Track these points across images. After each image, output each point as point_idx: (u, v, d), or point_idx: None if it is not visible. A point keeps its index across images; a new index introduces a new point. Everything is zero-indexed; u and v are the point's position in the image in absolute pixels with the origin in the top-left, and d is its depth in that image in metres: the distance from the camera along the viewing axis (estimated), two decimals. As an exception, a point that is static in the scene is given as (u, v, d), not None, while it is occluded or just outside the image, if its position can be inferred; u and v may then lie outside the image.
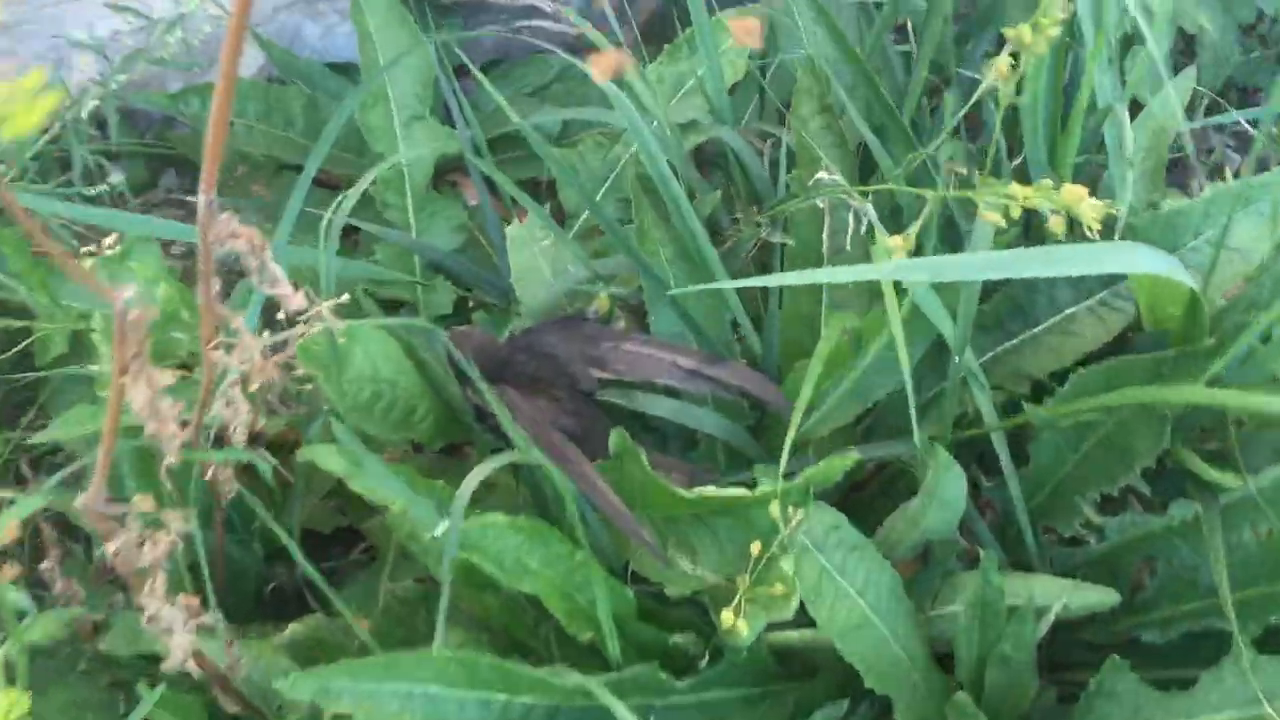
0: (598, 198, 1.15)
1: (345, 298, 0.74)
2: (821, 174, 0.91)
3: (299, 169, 1.35)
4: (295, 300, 0.50)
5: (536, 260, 1.03)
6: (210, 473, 0.75)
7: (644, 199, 0.97)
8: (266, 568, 1.00)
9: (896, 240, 0.72)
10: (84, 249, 0.98)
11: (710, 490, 0.79)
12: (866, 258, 0.98)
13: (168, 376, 0.45)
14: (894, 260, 0.70)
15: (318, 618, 0.92)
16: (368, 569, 1.05)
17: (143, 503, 0.61)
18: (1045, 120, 0.91)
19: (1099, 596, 0.89)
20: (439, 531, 0.73)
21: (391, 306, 1.28)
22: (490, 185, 1.20)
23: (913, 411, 0.80)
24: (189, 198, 1.40)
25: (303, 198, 0.94)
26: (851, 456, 0.79)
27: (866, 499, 1.01)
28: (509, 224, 1.29)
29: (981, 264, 0.60)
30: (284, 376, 0.85)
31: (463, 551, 0.75)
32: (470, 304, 1.19)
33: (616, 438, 0.85)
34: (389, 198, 1.20)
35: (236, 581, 0.97)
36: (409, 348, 0.96)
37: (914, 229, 0.73)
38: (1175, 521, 0.89)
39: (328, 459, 0.83)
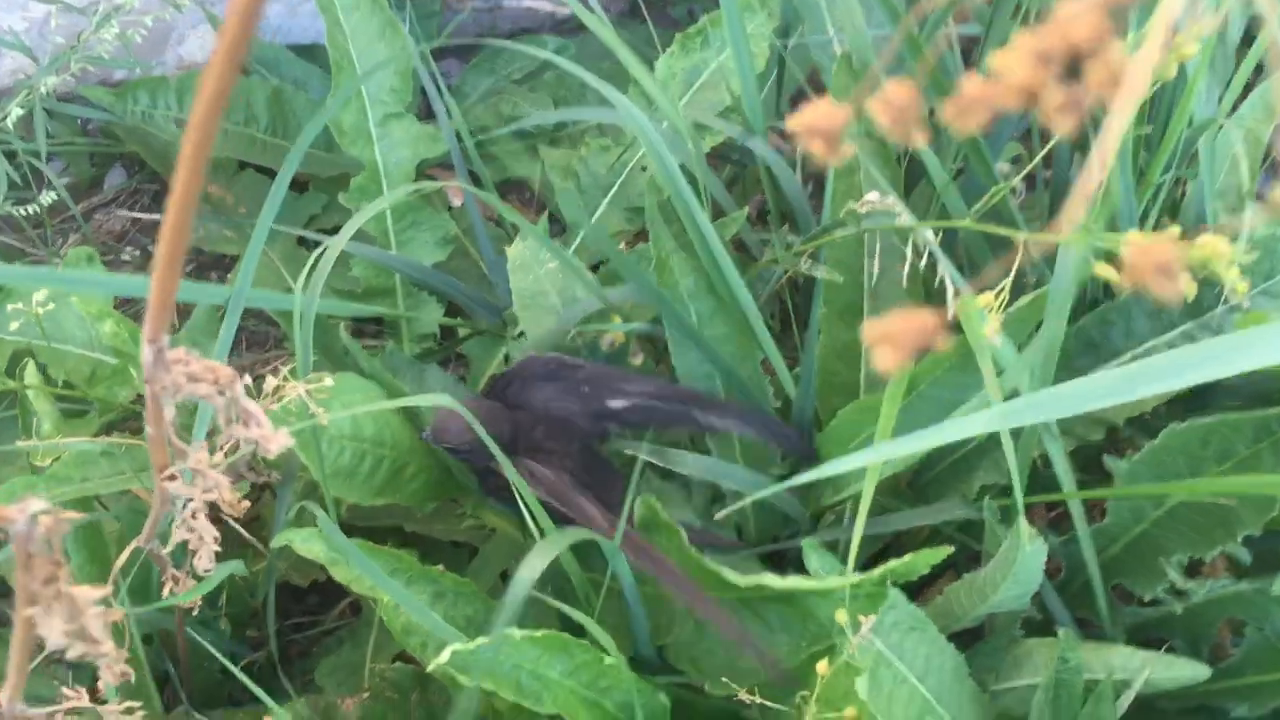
0: (602, 206, 1.02)
1: (327, 381, 0.62)
2: (872, 196, 0.79)
3: (262, 169, 1.22)
4: (277, 441, 0.38)
5: (542, 285, 0.90)
6: (168, 588, 0.63)
7: (659, 220, 0.85)
8: (232, 642, 0.88)
9: (986, 299, 0.60)
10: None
11: (768, 579, 0.67)
12: (920, 295, 0.87)
13: (93, 593, 0.33)
14: (1012, 399, 0.57)
15: (295, 707, 0.80)
16: (350, 635, 0.93)
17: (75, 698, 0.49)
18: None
19: (1188, 671, 0.78)
20: (445, 658, 0.61)
21: (370, 328, 1.15)
22: (479, 182, 1.08)
23: (1016, 479, 0.68)
24: (134, 212, 1.26)
25: (273, 216, 0.81)
26: (943, 550, 0.67)
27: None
28: (498, 224, 1.16)
29: (1132, 378, 0.47)
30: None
31: (472, 678, 0.63)
32: (459, 326, 1.07)
33: (646, 509, 0.74)
34: (365, 206, 1.06)
35: (199, 664, 0.85)
36: (394, 391, 0.84)
37: (1005, 284, 0.61)
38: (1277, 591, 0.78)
39: (307, 545, 0.71)
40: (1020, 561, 0.73)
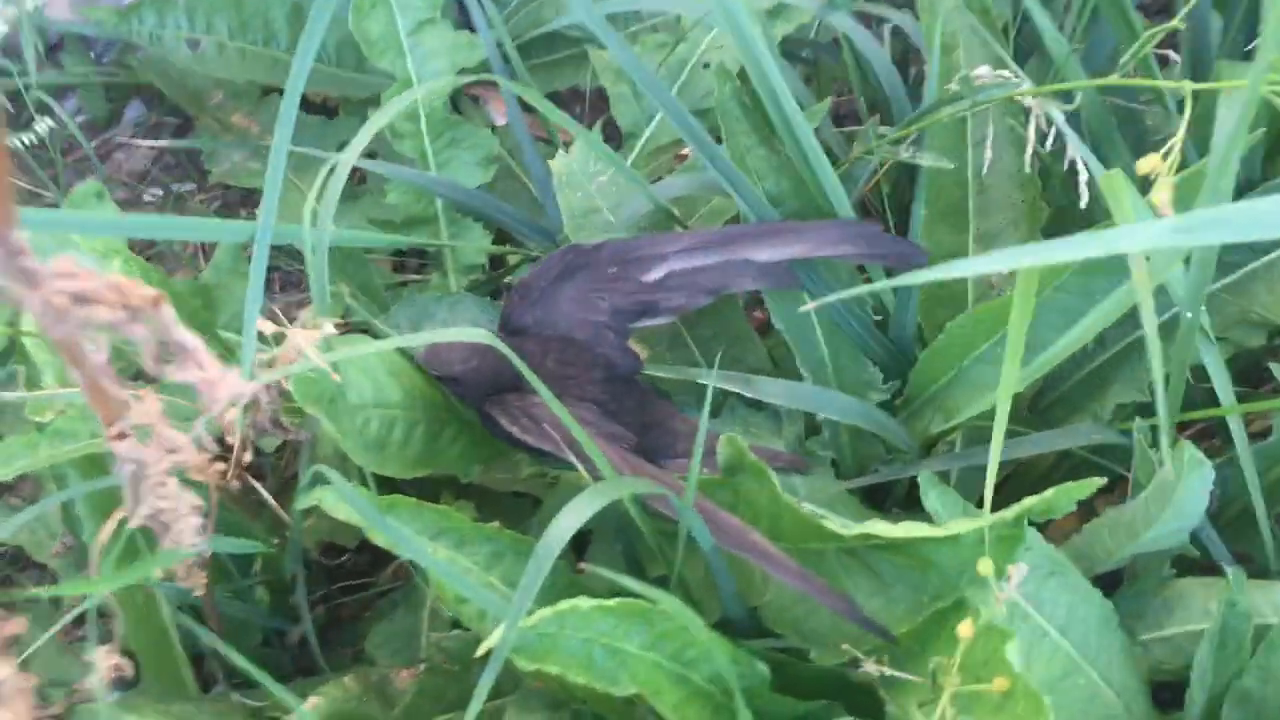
0: (662, 111, 0.90)
1: (328, 328, 0.51)
2: (982, 69, 0.66)
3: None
4: (228, 387, 0.28)
5: (592, 200, 0.79)
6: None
7: (734, 111, 0.73)
8: (270, 615, 0.79)
9: (1154, 161, 0.48)
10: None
11: (879, 527, 0.56)
12: (1036, 189, 0.75)
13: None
14: (1156, 218, 0.46)
15: (344, 685, 0.71)
16: (404, 598, 0.83)
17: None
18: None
19: (1377, 610, 0.67)
20: (495, 640, 0.51)
21: (412, 262, 1.05)
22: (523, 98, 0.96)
23: (1161, 396, 0.57)
24: (156, 146, 1.17)
25: (288, 136, 0.70)
26: (1094, 482, 0.55)
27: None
28: (547, 142, 1.05)
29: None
30: (274, 399, 0.63)
31: (533, 661, 0.53)
32: (508, 254, 0.96)
33: (732, 449, 0.63)
34: (399, 124, 0.95)
35: (238, 639, 0.76)
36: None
37: (1175, 142, 0.48)
38: None
39: (337, 507, 0.61)
40: (1182, 490, 0.61)
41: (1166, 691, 0.70)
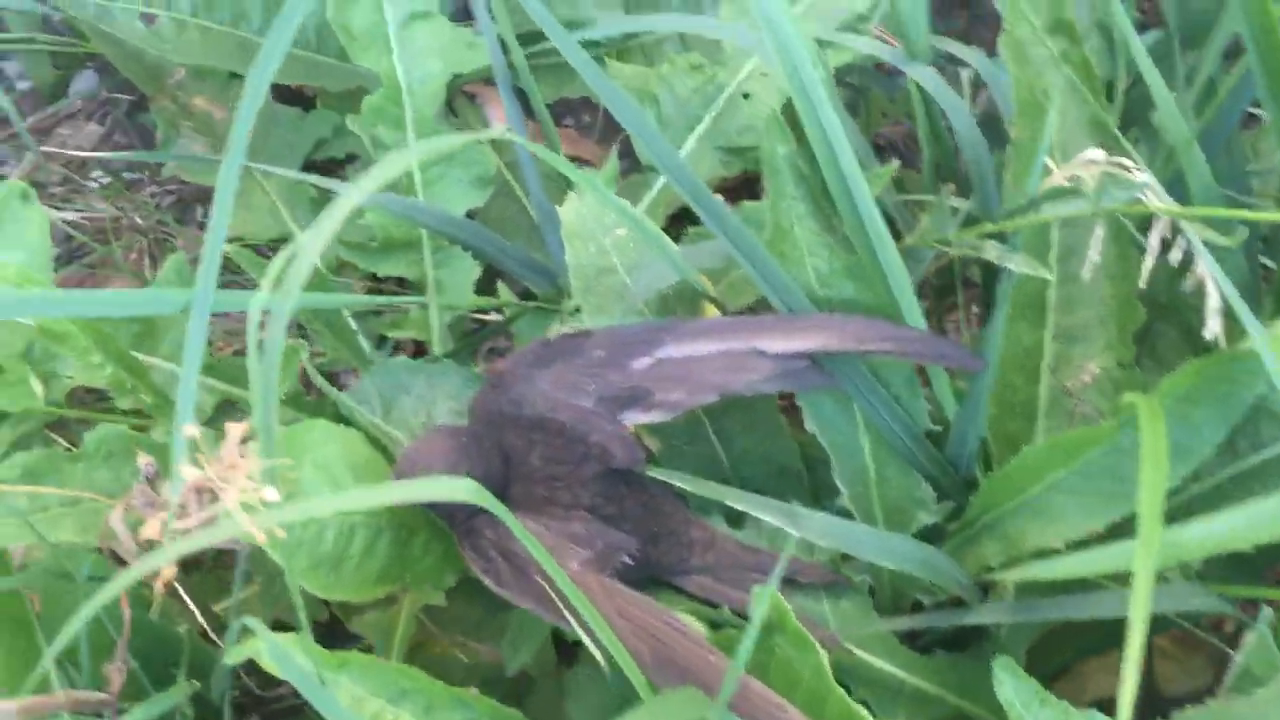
0: (690, 143, 0.78)
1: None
2: (1093, 153, 0.54)
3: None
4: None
5: (607, 258, 0.67)
6: None
7: (785, 170, 0.61)
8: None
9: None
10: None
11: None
12: (1131, 285, 0.63)
13: None
14: None
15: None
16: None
17: None
18: None
19: None
20: None
21: (387, 284, 0.92)
22: (528, 104, 0.84)
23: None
24: (104, 126, 1.03)
25: (244, 140, 0.57)
26: None
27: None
28: (545, 146, 0.92)
29: None
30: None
31: None
32: (501, 305, 0.83)
33: (770, 607, 0.51)
34: (382, 133, 0.82)
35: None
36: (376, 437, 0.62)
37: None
38: None
39: (278, 660, 0.49)
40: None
41: None
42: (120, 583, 0.39)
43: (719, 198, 0.61)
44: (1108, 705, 0.56)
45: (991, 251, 0.56)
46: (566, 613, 0.51)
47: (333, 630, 0.70)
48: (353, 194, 0.49)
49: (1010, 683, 0.52)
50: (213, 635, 0.66)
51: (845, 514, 0.67)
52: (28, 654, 0.61)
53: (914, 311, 0.59)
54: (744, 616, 0.63)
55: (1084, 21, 0.69)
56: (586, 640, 0.50)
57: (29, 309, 0.57)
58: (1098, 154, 0.55)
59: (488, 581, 0.55)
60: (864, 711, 0.49)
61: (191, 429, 0.46)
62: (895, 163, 0.65)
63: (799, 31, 0.59)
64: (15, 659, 0.60)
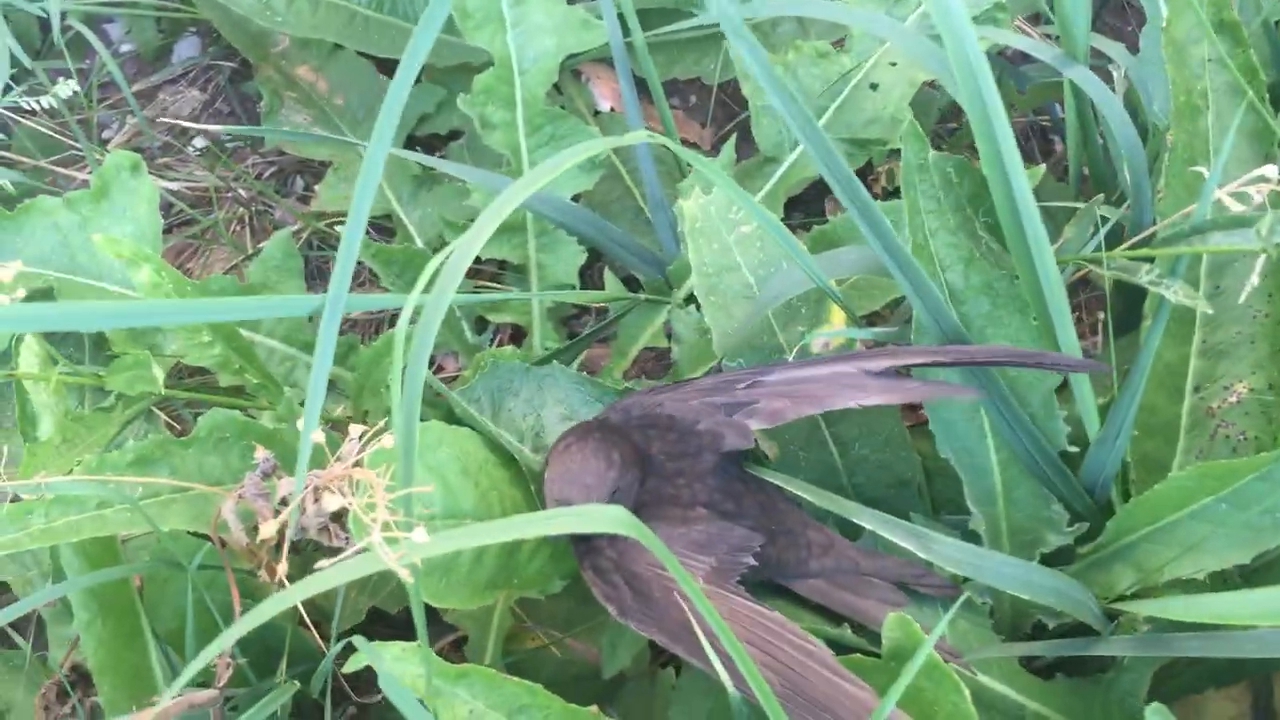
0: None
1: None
2: (1269, 169, 0.51)
3: (364, 53, 0.95)
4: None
5: (730, 255, 0.64)
6: None
7: (929, 186, 0.58)
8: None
9: None
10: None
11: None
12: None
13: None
14: None
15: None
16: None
17: None
18: None
19: None
20: None
21: (486, 266, 0.90)
22: (644, 87, 0.81)
23: None
24: (206, 93, 1.02)
25: (385, 150, 0.54)
26: None
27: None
28: (651, 130, 0.89)
29: None
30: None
31: None
32: (610, 300, 0.81)
33: (902, 632, 0.49)
34: (490, 112, 0.81)
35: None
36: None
37: None
38: None
39: (399, 665, 0.47)
40: None
41: None
42: (274, 606, 0.38)
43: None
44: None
45: (1147, 277, 0.53)
46: (693, 641, 0.49)
47: (429, 620, 0.68)
48: (512, 197, 0.47)
49: None
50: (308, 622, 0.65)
51: (962, 526, 0.65)
52: (132, 637, 0.60)
53: (1069, 333, 0.56)
54: (863, 627, 0.61)
55: (1250, 25, 0.64)
56: (720, 670, 0.48)
57: (161, 317, 0.56)
58: (1270, 170, 0.52)
59: (611, 609, 0.53)
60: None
61: (318, 435, 0.44)
62: (1041, 167, 0.62)
63: (974, 35, 0.56)
64: (120, 642, 0.60)
